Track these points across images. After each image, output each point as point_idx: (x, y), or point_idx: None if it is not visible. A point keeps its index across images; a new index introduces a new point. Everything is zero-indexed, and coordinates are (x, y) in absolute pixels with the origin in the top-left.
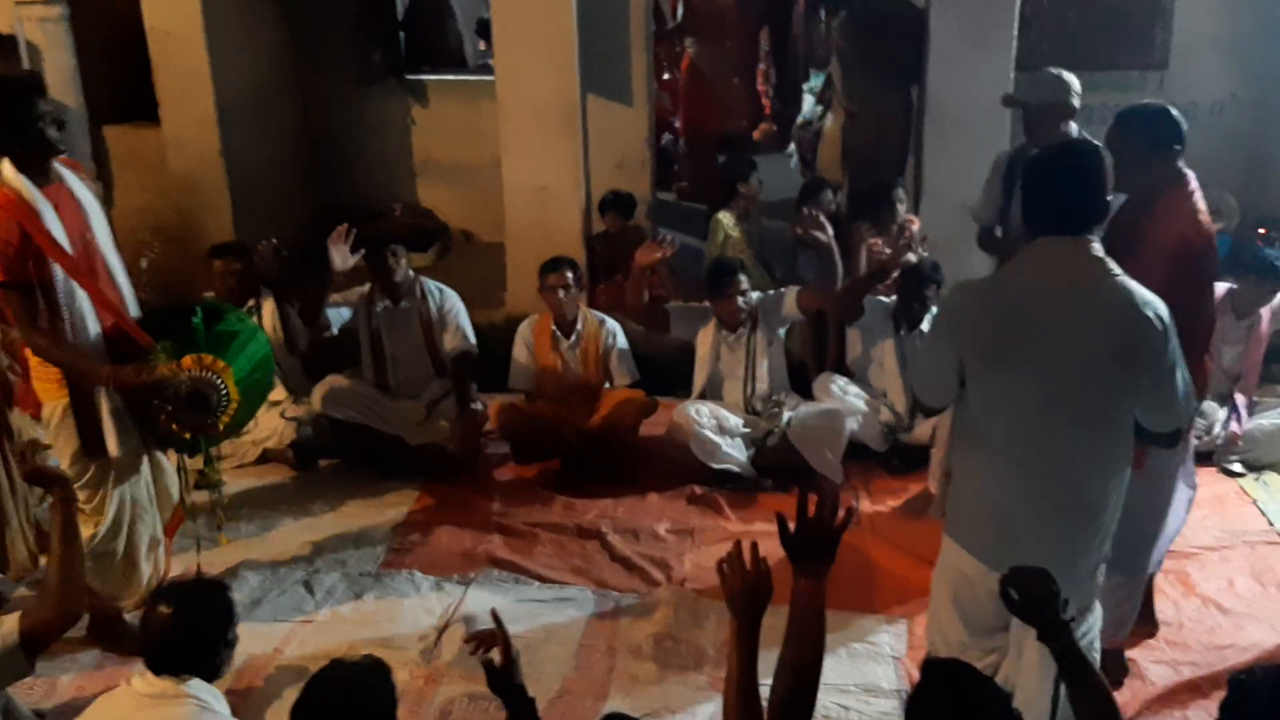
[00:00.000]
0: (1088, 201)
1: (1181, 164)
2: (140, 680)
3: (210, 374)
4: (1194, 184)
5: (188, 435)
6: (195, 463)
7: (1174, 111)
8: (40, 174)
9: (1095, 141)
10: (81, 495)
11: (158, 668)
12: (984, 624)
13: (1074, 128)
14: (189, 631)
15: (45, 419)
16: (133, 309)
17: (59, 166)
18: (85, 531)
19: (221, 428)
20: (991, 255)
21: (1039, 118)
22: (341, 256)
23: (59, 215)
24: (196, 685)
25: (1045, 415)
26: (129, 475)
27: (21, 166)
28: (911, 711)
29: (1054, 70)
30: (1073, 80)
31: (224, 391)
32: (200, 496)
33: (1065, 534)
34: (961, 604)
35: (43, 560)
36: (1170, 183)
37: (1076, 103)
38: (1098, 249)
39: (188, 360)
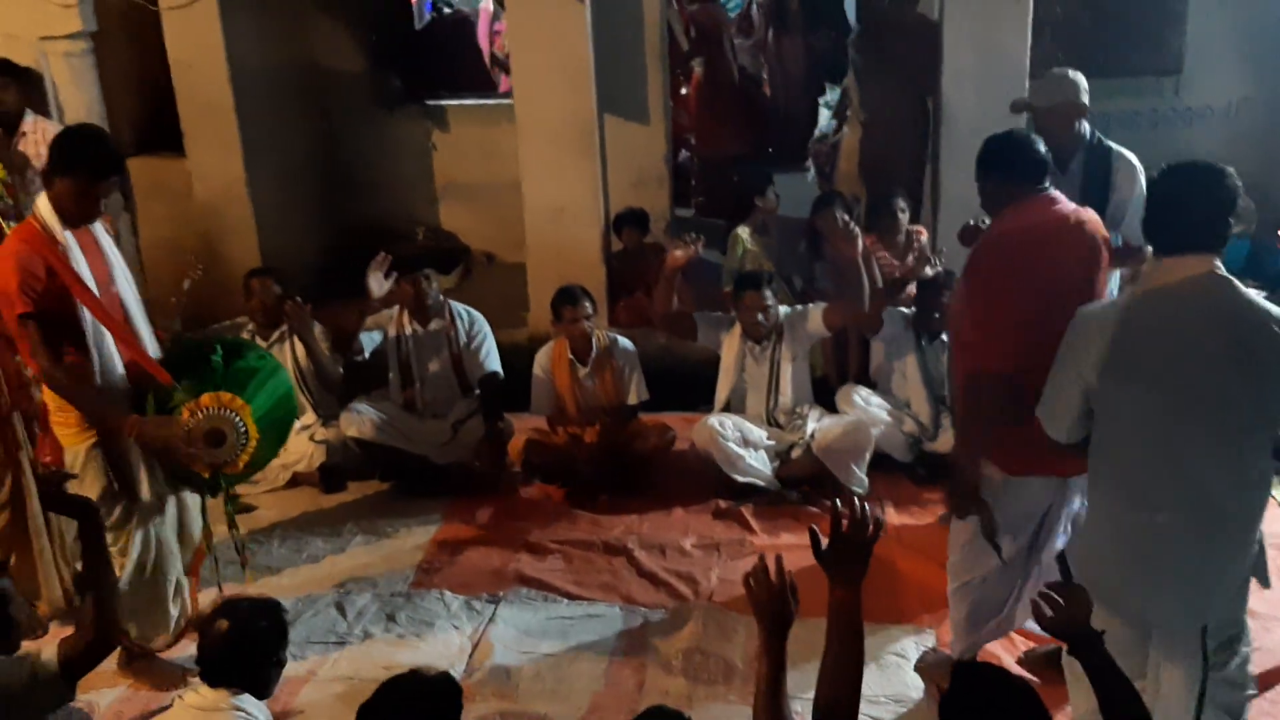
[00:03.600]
0: (1215, 220)
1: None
2: (192, 694)
3: (229, 412)
4: None
5: (207, 474)
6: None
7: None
8: (71, 219)
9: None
10: (108, 537)
11: (213, 680)
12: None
13: (1085, 127)
14: (242, 647)
15: (69, 464)
16: (151, 351)
17: None
18: None
19: (242, 465)
20: None
21: (1050, 119)
22: (378, 284)
23: (86, 258)
24: (246, 700)
25: (1180, 433)
26: (154, 516)
27: (58, 207)
28: (946, 716)
29: (1060, 70)
30: (1080, 78)
31: (242, 429)
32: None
33: (1206, 551)
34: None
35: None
36: None
37: (1086, 100)
38: (1221, 268)
39: (206, 398)
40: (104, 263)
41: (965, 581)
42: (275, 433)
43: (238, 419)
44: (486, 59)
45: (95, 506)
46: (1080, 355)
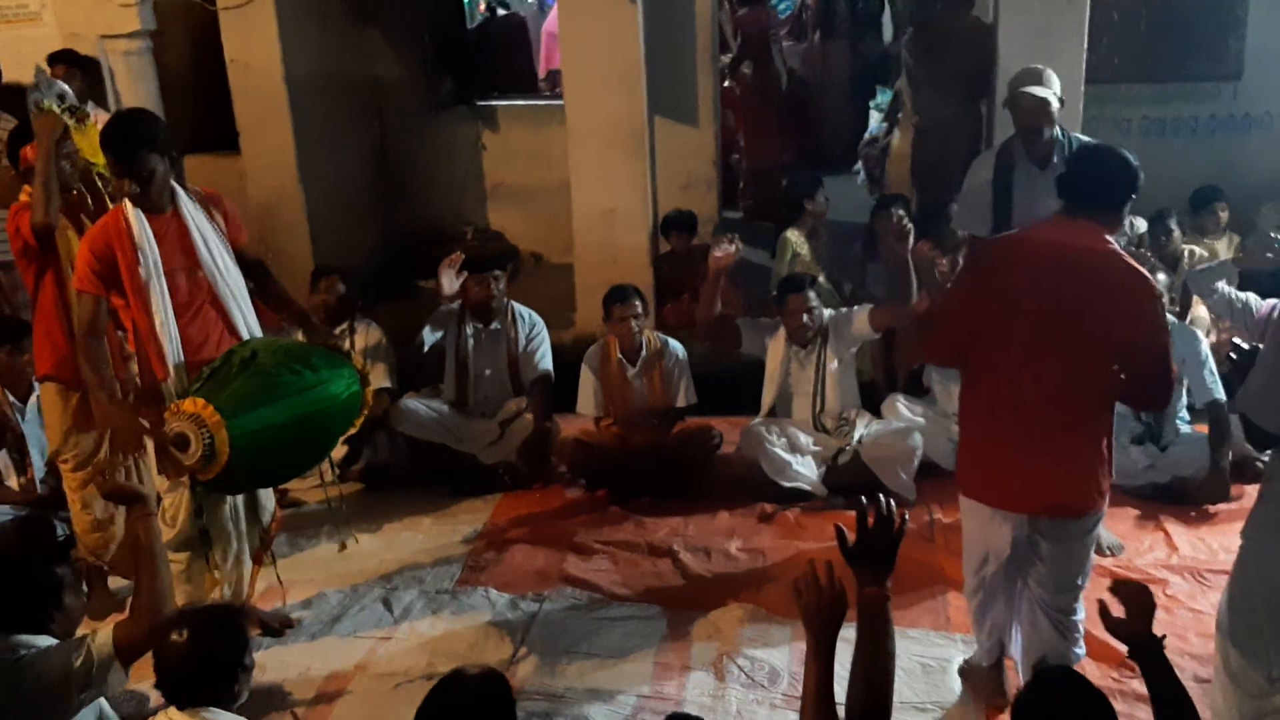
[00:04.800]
0: None
1: None
2: None
3: (199, 423)
4: None
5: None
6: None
7: None
8: (150, 205)
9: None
10: (166, 500)
11: (179, 701)
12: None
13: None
14: (204, 660)
15: None
16: (245, 331)
17: (182, 199)
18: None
19: (214, 475)
20: None
21: (1037, 114)
22: (450, 282)
23: (161, 246)
24: (220, 716)
25: None
26: (205, 495)
27: (134, 196)
28: (1019, 717)
29: (1038, 66)
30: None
31: (206, 441)
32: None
33: None
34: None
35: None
36: None
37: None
38: None
39: (187, 403)
40: (189, 247)
41: (972, 590)
42: (284, 453)
43: (206, 433)
44: (545, 50)
45: (145, 495)
46: None
